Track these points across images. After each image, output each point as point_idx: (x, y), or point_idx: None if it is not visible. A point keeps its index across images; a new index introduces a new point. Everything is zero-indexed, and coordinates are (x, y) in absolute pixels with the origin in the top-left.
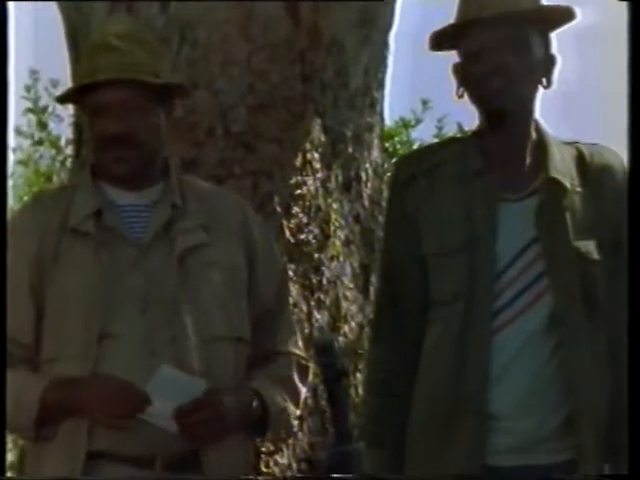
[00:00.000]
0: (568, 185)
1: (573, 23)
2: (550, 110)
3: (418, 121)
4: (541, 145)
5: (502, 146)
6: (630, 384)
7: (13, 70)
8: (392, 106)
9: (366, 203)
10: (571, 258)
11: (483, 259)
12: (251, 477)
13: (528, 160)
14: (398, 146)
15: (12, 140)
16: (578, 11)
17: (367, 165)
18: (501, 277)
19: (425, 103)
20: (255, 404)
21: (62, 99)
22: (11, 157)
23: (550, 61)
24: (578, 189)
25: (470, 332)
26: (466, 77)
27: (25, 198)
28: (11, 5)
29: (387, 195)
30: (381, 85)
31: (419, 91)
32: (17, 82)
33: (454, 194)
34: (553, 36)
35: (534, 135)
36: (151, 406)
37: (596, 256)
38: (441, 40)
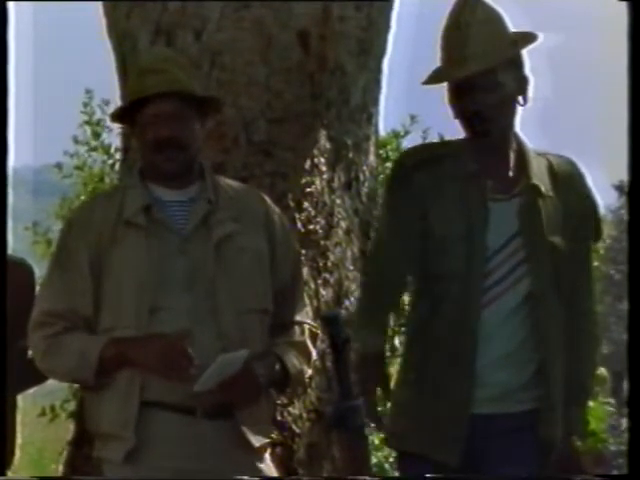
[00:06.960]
0: (544, 190)
1: (541, 44)
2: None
3: (407, 132)
4: (521, 154)
5: (489, 153)
6: (631, 384)
7: (70, 89)
8: (385, 119)
9: (364, 199)
10: (545, 250)
11: (476, 247)
12: (278, 476)
13: (511, 167)
14: (390, 153)
15: (71, 147)
16: (547, 35)
17: (364, 168)
18: (490, 262)
19: (412, 117)
20: (278, 367)
21: (114, 117)
22: (70, 162)
23: (524, 82)
24: (550, 193)
25: (463, 305)
26: (452, 110)
27: (81, 196)
28: (11, 5)
29: (390, 177)
30: (376, 102)
31: (408, 107)
32: (76, 99)
33: (454, 191)
34: (525, 58)
35: (515, 145)
36: (201, 380)
37: (563, 249)
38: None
